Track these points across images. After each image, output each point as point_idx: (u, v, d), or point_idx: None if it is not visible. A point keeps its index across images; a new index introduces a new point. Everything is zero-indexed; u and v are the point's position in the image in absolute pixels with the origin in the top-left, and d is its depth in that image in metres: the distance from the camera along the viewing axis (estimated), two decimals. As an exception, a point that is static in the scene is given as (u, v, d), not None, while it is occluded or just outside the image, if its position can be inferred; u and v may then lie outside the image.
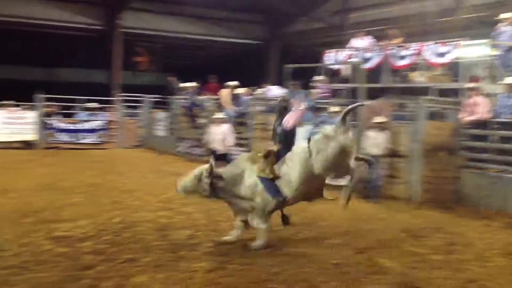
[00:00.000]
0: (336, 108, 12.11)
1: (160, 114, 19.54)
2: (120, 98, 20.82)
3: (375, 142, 10.19)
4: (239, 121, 15.46)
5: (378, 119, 10.35)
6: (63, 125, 18.50)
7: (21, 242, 6.33)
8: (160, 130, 19.32)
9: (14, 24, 21.94)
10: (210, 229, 7.39)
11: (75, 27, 23.21)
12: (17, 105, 18.59)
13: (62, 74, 31.51)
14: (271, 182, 6.37)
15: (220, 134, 12.52)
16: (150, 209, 8.60)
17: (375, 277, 5.59)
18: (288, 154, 6.44)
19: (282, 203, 6.46)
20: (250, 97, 15.55)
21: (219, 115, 13.21)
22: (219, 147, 12.44)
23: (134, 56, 24.73)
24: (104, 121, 19.18)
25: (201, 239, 6.82)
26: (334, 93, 14.22)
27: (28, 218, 7.52)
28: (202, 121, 16.67)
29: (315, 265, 5.88)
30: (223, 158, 12.16)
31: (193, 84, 17.49)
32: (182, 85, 18.61)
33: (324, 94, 13.86)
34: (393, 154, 10.25)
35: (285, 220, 6.83)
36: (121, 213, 8.06)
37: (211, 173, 6.39)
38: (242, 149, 14.58)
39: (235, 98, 15.60)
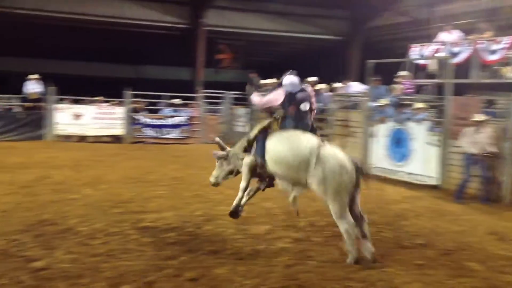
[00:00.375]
0: (421, 105, 11.74)
1: (241, 110, 19.83)
2: (203, 94, 21.32)
3: (473, 140, 9.74)
4: (319, 118, 15.35)
5: (478, 117, 9.86)
6: (149, 121, 19.24)
7: (109, 231, 6.66)
8: (240, 126, 19.61)
9: (107, 24, 23.07)
10: (289, 225, 7.40)
11: (162, 26, 24.03)
12: (107, 101, 19.57)
13: (149, 72, 32.83)
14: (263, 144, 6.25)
15: None
16: (230, 203, 8.70)
17: (460, 280, 5.35)
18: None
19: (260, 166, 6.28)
20: (331, 93, 15.39)
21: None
22: None
23: (216, 54, 25.20)
24: (187, 117, 19.71)
25: (279, 234, 6.85)
26: (419, 89, 13.77)
27: (116, 209, 7.90)
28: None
29: (396, 265, 5.72)
30: None
31: (273, 80, 17.56)
32: (262, 81, 18.75)
33: (408, 90, 13.45)
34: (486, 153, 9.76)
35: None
36: (203, 206, 8.26)
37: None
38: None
39: (315, 94, 15.47)
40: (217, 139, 7.16)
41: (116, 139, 18.63)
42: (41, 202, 8.24)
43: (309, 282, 5.11)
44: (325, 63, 24.64)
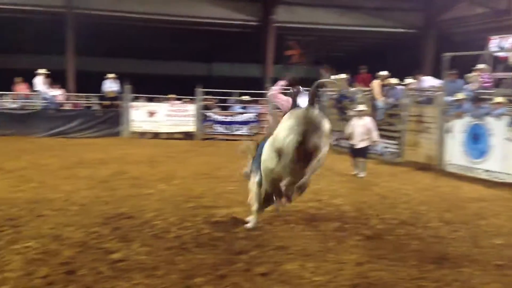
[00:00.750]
0: (500, 99, 11.21)
1: (310, 107, 19.70)
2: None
3: None
4: (391, 113, 15.02)
5: None
6: (219, 118, 19.57)
7: (183, 225, 6.84)
8: (310, 123, 19.50)
9: (180, 23, 23.68)
10: (359, 223, 7.30)
11: (234, 24, 24.34)
12: (179, 99, 20.10)
13: (220, 69, 33.38)
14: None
15: (361, 128, 11.92)
16: (300, 199, 8.71)
17: (543, 282, 5.07)
18: None
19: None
20: (403, 88, 15.00)
21: (362, 107, 12.60)
22: (359, 141, 11.87)
23: (285, 50, 25.18)
24: (256, 114, 19.85)
25: (349, 232, 6.77)
26: (498, 83, 13.14)
27: (189, 204, 8.10)
28: (351, 113, 16.48)
29: (474, 265, 5.50)
30: (362, 153, 11.84)
31: (343, 75, 17.34)
32: (332, 77, 18.56)
33: (486, 84, 12.87)
34: None
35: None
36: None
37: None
38: (393, 142, 14.18)
39: (387, 89, 15.15)
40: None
41: (187, 136, 19.11)
42: (119, 196, 8.59)
43: (380, 281, 5.02)
44: (397, 57, 24.00)
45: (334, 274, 5.17)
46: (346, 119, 16.88)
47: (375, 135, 11.93)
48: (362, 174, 11.71)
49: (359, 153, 11.90)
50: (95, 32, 22.56)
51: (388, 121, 15.03)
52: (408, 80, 16.13)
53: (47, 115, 18.51)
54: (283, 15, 24.15)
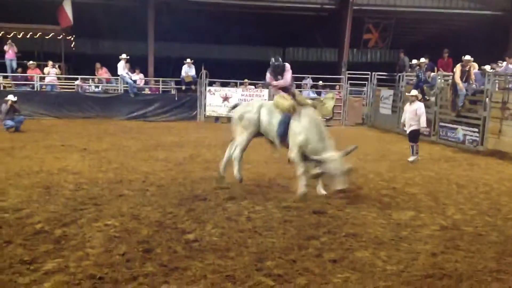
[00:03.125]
0: None
1: (386, 92, 19.24)
2: (346, 76, 21.05)
3: None
4: (473, 99, 14.36)
5: None
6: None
7: (254, 209, 6.93)
8: (385, 108, 19.05)
9: (257, 8, 23.70)
10: (436, 212, 7.08)
11: (311, 7, 24.05)
12: (253, 84, 20.25)
13: (294, 54, 33.27)
14: None
15: (411, 113, 11.59)
16: (373, 187, 8.59)
17: None
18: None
19: None
20: (489, 72, 14.25)
21: (412, 92, 12.19)
22: (409, 126, 11.61)
23: (362, 34, 24.60)
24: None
25: (425, 221, 6.58)
26: None
27: (259, 188, 8.19)
28: (432, 99, 15.92)
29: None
30: (412, 137, 11.45)
31: (424, 59, 16.73)
32: (413, 61, 17.99)
33: None
34: None
35: None
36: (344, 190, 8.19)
37: None
38: (474, 129, 13.55)
39: (470, 74, 14.44)
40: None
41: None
42: (193, 178, 8.84)
43: (456, 273, 4.86)
44: (482, 41, 22.82)
45: (407, 263, 5.06)
46: (425, 105, 16.37)
47: (423, 120, 11.48)
48: (411, 159, 11.39)
49: (409, 138, 11.60)
50: (174, 18, 23.12)
51: (470, 107, 14.38)
52: (494, 65, 15.36)
53: (127, 99, 19.26)
54: (361, -2, 23.55)
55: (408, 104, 11.91)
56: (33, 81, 19.17)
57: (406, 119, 11.72)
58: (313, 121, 7.63)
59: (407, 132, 11.72)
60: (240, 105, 8.99)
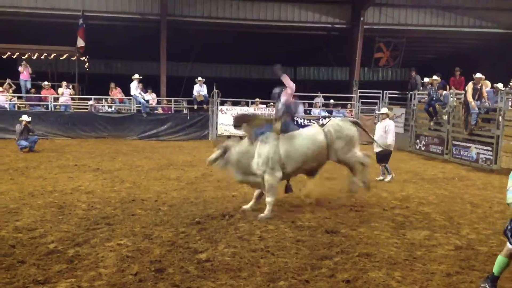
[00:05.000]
0: None
1: (398, 110, 19.20)
2: (358, 94, 21.07)
3: None
4: (486, 117, 14.28)
5: None
6: (304, 122, 19.52)
7: (267, 228, 6.91)
8: (397, 127, 18.97)
9: (268, 28, 23.91)
10: (451, 232, 7.01)
11: (322, 27, 24.20)
12: (265, 103, 20.31)
13: (305, 72, 33.42)
14: None
15: (381, 131, 11.19)
16: (386, 206, 8.54)
17: None
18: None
19: None
20: (501, 90, 14.20)
21: (383, 110, 11.83)
22: (378, 146, 10.97)
23: (373, 52, 24.67)
24: (341, 117, 19.61)
25: (439, 241, 6.51)
26: None
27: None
28: (444, 117, 15.86)
29: None
30: (383, 159, 11.17)
31: (436, 78, 16.71)
32: (425, 79, 17.97)
33: None
34: None
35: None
36: (357, 208, 8.17)
37: None
38: (487, 147, 13.45)
39: (482, 92, 14.38)
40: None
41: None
42: (205, 198, 8.85)
43: (472, 294, 4.80)
44: (494, 59, 22.80)
45: (422, 284, 5.01)
46: (437, 123, 16.31)
47: (390, 137, 11.05)
48: (387, 179, 11.13)
49: (377, 159, 11.16)
50: (186, 38, 23.39)
51: (482, 125, 14.30)
52: (508, 84, 15.33)
53: (140, 118, 19.41)
54: (372, 16, 23.68)
55: (379, 122, 11.72)
56: (47, 102, 19.41)
57: (376, 137, 11.09)
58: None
59: (375, 151, 11.08)
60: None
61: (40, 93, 19.95)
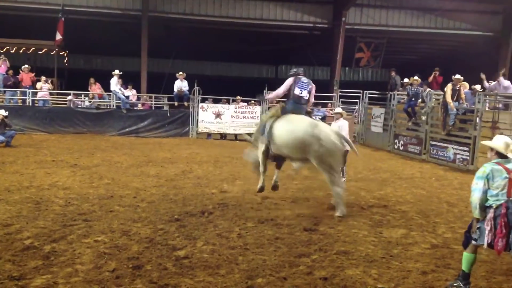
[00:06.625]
0: None
1: (377, 110, 19.36)
2: (338, 94, 21.21)
3: None
4: (464, 119, 14.48)
5: None
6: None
7: (246, 225, 6.92)
8: (376, 127, 19.15)
9: (250, 26, 23.93)
10: (427, 230, 7.10)
11: (304, 26, 24.31)
12: (246, 101, 20.30)
13: (287, 71, 33.46)
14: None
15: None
16: (364, 204, 8.61)
17: None
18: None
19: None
20: (478, 92, 14.43)
21: (337, 109, 11.61)
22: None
23: (354, 52, 24.86)
24: (321, 116, 19.71)
25: (415, 239, 6.59)
26: None
27: (251, 205, 8.18)
28: (422, 117, 16.04)
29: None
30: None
31: (415, 78, 16.89)
32: (405, 80, 18.15)
33: None
34: None
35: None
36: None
37: None
38: (464, 148, 13.65)
39: (460, 93, 14.58)
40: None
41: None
42: (184, 195, 8.82)
43: (447, 291, 4.87)
44: (474, 61, 23.12)
45: (398, 282, 5.07)
46: (415, 123, 16.49)
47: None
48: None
49: None
50: (168, 34, 23.27)
51: (460, 126, 14.51)
52: (484, 85, 15.57)
53: (119, 114, 19.24)
54: (354, 17, 23.87)
55: (333, 121, 11.72)
56: (25, 88, 19.12)
57: None
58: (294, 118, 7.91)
59: None
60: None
61: (18, 87, 19.63)
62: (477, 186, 4.76)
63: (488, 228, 4.70)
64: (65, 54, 23.14)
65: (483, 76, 15.87)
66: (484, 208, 4.76)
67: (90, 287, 4.65)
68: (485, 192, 4.73)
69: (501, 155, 4.83)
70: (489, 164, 4.82)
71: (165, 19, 22.50)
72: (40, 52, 22.63)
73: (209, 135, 19.74)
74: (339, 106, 14.16)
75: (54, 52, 21.73)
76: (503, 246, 4.63)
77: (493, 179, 4.71)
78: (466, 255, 4.92)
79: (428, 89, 16.23)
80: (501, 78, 15.49)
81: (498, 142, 4.88)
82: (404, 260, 5.73)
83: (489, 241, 4.70)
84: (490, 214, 4.71)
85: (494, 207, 4.69)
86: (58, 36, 20.63)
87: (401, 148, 16.90)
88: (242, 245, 6.05)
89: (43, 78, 19.93)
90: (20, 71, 19.60)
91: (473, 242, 4.84)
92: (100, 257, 5.43)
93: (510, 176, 4.68)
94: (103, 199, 8.29)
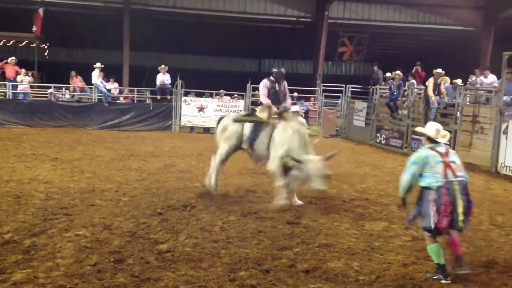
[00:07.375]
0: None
1: (360, 104, 19.47)
2: (321, 88, 21.27)
3: None
4: (445, 113, 14.63)
5: None
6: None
7: (228, 219, 6.92)
8: (359, 121, 19.26)
9: (233, 19, 23.84)
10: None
11: (287, 20, 24.28)
12: (229, 95, 20.26)
13: (271, 65, 33.47)
14: None
15: None
16: (346, 198, 8.67)
17: None
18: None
19: None
20: (458, 86, 14.58)
21: (294, 108, 11.67)
22: None
23: (337, 47, 24.92)
24: (304, 110, 19.76)
25: (397, 232, 6.66)
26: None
27: (233, 198, 8.19)
28: (404, 111, 16.18)
29: None
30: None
31: (398, 73, 17.01)
32: (387, 74, 18.26)
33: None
34: None
35: None
36: (318, 200, 8.24)
37: None
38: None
39: (441, 87, 14.74)
40: None
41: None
42: (167, 188, 8.78)
43: (426, 283, 4.93)
44: (454, 56, 23.36)
45: (379, 274, 5.11)
46: (397, 117, 16.62)
47: None
48: None
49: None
50: (150, 27, 23.09)
51: (441, 120, 14.65)
52: (466, 79, 15.75)
53: (101, 108, 19.06)
54: (337, 11, 23.90)
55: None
56: (6, 81, 18.87)
57: None
58: (296, 133, 7.65)
59: None
60: (226, 117, 8.87)
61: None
62: (410, 170, 5.05)
63: (434, 209, 4.90)
64: (45, 47, 22.84)
65: (477, 71, 16.05)
66: (409, 189, 5.10)
67: (71, 281, 4.61)
68: (415, 176, 5.01)
69: (432, 140, 5.12)
70: (423, 149, 5.14)
71: (147, 11, 22.31)
72: (21, 45, 22.31)
73: (192, 128, 19.67)
74: (295, 105, 13.99)
75: (34, 44, 21.44)
76: (447, 223, 4.89)
77: (428, 163, 4.97)
78: (430, 248, 5.06)
79: (412, 80, 16.35)
80: (477, 76, 15.72)
81: (429, 128, 5.22)
82: (385, 253, 5.78)
83: (436, 221, 4.90)
84: (432, 196, 4.92)
85: (434, 189, 4.91)
86: (34, 28, 20.30)
87: (383, 142, 17.03)
88: (224, 238, 6.05)
89: (23, 71, 19.62)
90: (4, 63, 19.24)
91: (424, 233, 5.06)
92: (81, 251, 5.39)
93: (444, 159, 4.97)
94: (84, 193, 8.22)
